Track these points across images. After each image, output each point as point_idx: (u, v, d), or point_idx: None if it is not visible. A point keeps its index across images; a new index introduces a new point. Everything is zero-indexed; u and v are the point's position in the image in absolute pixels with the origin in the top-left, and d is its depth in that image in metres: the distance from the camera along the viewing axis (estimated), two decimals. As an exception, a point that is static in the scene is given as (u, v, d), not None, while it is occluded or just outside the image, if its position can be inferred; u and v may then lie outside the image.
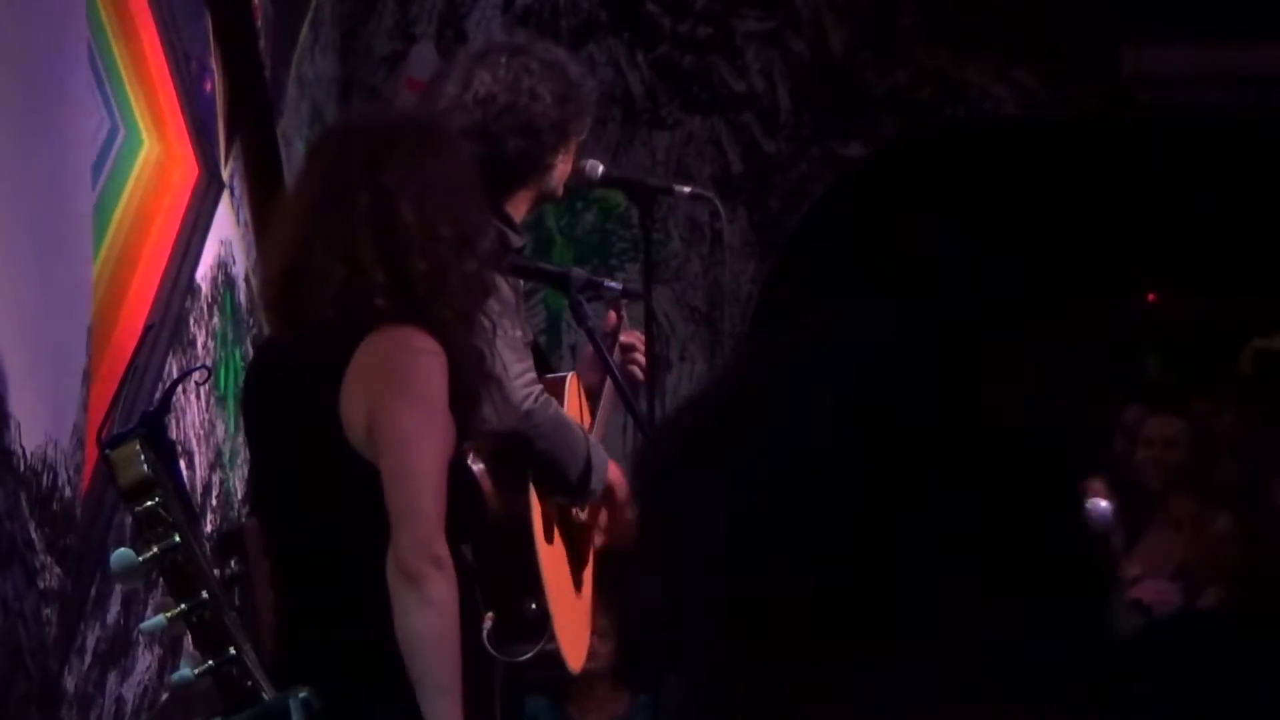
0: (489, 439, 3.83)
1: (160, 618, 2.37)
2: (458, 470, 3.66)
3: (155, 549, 2.33)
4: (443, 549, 3.46)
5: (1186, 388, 8.81)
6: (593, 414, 4.58)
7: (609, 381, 4.50)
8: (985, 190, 8.85)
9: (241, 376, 5.88)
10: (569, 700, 6.55)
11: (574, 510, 4.41)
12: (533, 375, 4.21)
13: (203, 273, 5.55)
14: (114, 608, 4.75)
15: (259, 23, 6.13)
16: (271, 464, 3.75)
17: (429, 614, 3.42)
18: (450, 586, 3.44)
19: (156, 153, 5.23)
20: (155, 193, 5.22)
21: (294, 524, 3.66)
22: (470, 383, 3.64)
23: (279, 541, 3.77)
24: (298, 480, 3.65)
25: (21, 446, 4.19)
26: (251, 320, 6.02)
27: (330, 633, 3.57)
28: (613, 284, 4.63)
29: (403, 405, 3.52)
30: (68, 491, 4.44)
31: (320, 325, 3.62)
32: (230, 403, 5.74)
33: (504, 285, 4.10)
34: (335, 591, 3.49)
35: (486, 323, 3.74)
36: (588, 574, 4.49)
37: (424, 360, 3.56)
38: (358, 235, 3.62)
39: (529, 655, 4.08)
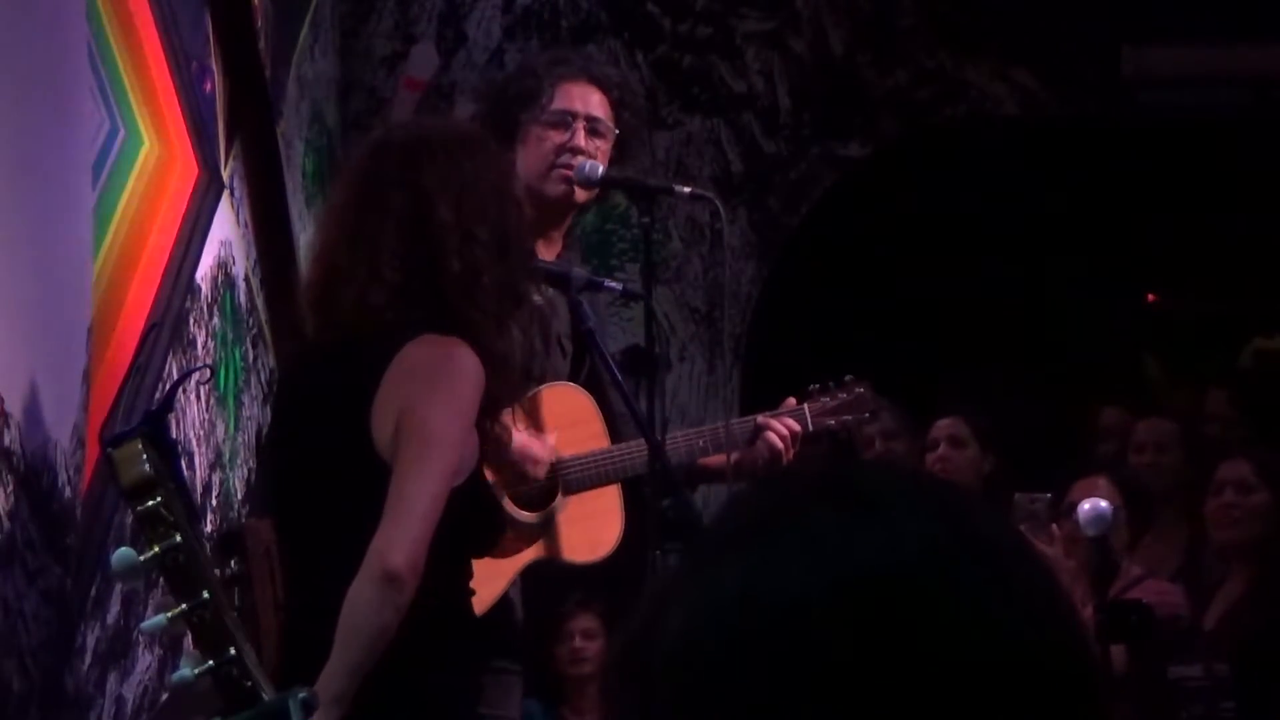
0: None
1: (160, 618, 2.36)
2: (477, 482, 3.66)
3: (156, 548, 2.33)
4: (423, 556, 3.46)
5: (1184, 388, 8.80)
6: (606, 422, 4.53)
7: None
8: (985, 190, 8.84)
9: (242, 376, 5.89)
10: (563, 702, 6.55)
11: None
12: None
13: (203, 273, 5.55)
14: (114, 608, 4.75)
15: (259, 23, 6.13)
16: (295, 466, 3.75)
17: (392, 617, 3.45)
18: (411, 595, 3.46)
19: (156, 153, 5.22)
20: (155, 193, 5.22)
21: (310, 526, 3.67)
22: (495, 389, 3.63)
23: (293, 543, 3.77)
24: (320, 484, 3.65)
25: (21, 446, 4.19)
26: (251, 320, 6.01)
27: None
28: (613, 284, 4.62)
29: (437, 407, 3.53)
30: (68, 491, 4.43)
31: (354, 329, 3.62)
32: (230, 403, 5.74)
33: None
34: (345, 594, 3.49)
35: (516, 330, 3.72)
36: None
37: (465, 369, 3.56)
38: (387, 236, 3.62)
39: None
